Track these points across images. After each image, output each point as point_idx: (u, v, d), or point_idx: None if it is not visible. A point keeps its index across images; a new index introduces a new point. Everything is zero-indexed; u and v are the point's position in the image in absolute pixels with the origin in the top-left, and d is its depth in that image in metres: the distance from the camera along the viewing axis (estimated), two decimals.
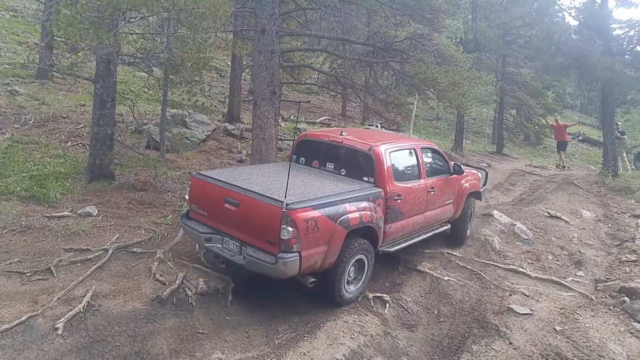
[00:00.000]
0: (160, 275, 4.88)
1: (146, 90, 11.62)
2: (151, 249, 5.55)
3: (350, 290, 4.97)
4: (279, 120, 12.57)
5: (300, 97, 19.75)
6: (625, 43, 13.89)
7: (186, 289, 4.72)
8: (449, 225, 6.87)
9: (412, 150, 6.03)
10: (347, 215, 4.63)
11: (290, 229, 4.13)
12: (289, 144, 11.58)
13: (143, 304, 4.39)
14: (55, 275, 4.69)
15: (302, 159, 6.08)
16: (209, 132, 10.94)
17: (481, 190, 7.47)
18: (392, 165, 5.48)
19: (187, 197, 5.25)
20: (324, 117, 17.62)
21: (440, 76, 7.95)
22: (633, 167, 17.45)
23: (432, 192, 6.09)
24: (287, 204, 4.16)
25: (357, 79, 9.80)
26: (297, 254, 4.23)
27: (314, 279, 4.63)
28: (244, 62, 13.05)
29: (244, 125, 11.97)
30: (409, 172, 5.86)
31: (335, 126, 16.18)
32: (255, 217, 4.44)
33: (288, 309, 4.89)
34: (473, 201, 7.33)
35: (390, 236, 5.48)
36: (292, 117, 16.11)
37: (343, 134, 5.85)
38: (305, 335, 4.35)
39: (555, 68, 15.03)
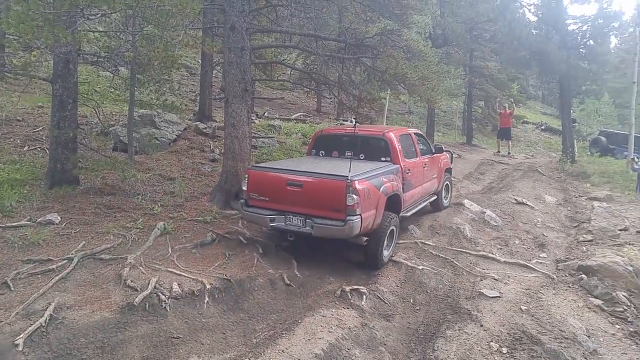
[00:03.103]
0: (132, 281, 4.70)
1: (112, 90, 11.30)
2: (121, 254, 5.35)
3: (385, 255, 5.98)
4: (253, 118, 12.48)
5: (274, 94, 19.64)
6: (579, 37, 14.62)
7: (159, 293, 4.57)
8: (435, 197, 8.26)
9: (409, 135, 7.46)
10: (384, 185, 5.83)
11: (354, 196, 5.15)
12: (264, 141, 11.51)
13: (112, 312, 4.21)
14: (12, 289, 4.40)
15: (322, 152, 7.21)
16: (180, 132, 10.70)
17: (451, 166, 9.23)
18: (402, 146, 6.81)
19: (244, 187, 5.91)
20: (299, 114, 17.55)
21: (410, 71, 8.06)
22: (588, 153, 18.31)
23: (425, 168, 7.52)
24: (349, 178, 5.14)
25: (330, 75, 9.81)
26: (359, 216, 5.22)
27: (366, 238, 5.64)
28: (215, 59, 12.82)
29: (216, 123, 11.77)
30: (410, 151, 7.19)
31: (311, 122, 16.15)
32: (321, 192, 5.38)
33: (265, 308, 4.87)
34: (449, 176, 8.95)
35: (406, 203, 6.66)
36: (266, 113, 16.00)
37: (355, 127, 6.81)
38: (284, 332, 4.33)
39: (518, 61, 15.71)
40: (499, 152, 17.73)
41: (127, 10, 6.31)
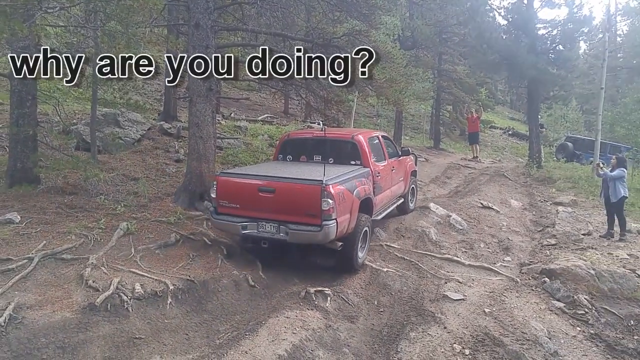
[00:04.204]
0: (94, 282, 4.64)
1: (74, 88, 10.89)
2: (83, 254, 5.24)
3: (360, 257, 5.97)
4: (219, 118, 12.32)
5: (240, 95, 19.43)
6: (548, 42, 14.71)
7: (121, 294, 4.51)
8: (402, 199, 8.27)
9: (377, 137, 7.38)
10: (357, 189, 5.79)
11: (330, 200, 5.10)
12: (229, 142, 11.39)
13: (74, 312, 4.16)
14: None
15: (289, 156, 6.97)
16: (144, 132, 10.46)
17: (416, 169, 9.28)
18: (371, 149, 6.75)
19: (213, 195, 5.69)
20: (265, 115, 17.43)
21: (377, 73, 8.14)
22: (555, 158, 18.93)
23: (394, 171, 7.53)
24: (324, 182, 5.08)
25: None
26: (334, 220, 5.18)
27: (341, 243, 5.55)
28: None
29: (181, 123, 11.57)
30: (379, 154, 7.16)
31: (278, 124, 16.08)
32: (295, 198, 5.26)
33: (229, 309, 4.84)
34: (414, 179, 8.96)
35: (376, 206, 6.59)
36: (232, 114, 15.81)
37: (324, 130, 6.66)
38: (247, 333, 4.33)
39: (487, 65, 15.65)
40: (476, 157, 17.51)
41: (88, 4, 6.13)
